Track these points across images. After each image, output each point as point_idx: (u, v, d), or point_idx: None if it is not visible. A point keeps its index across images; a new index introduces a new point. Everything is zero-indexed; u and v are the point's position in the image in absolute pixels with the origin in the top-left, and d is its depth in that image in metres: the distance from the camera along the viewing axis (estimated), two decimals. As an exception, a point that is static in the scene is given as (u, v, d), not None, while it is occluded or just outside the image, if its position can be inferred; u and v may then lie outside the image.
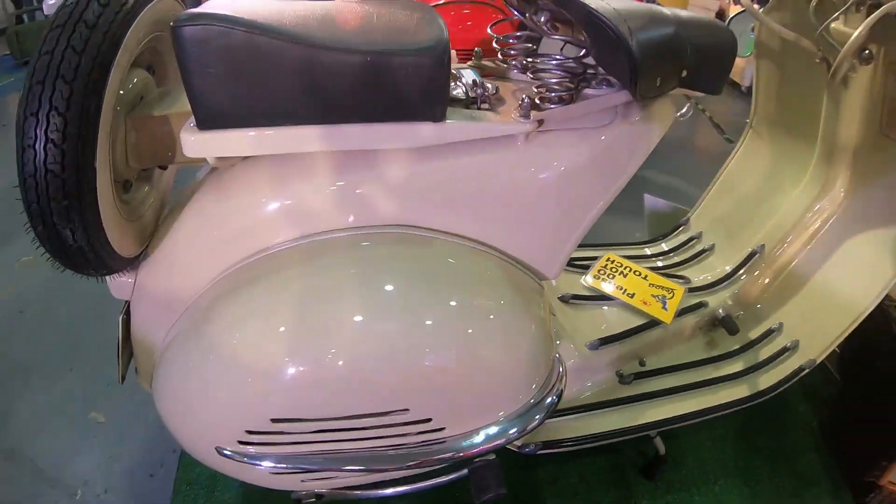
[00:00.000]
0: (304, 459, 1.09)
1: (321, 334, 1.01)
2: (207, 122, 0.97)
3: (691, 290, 1.78)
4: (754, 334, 1.72)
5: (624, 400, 1.52)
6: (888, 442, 1.69)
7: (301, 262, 1.08)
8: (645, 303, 1.64)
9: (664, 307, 1.64)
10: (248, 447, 1.06)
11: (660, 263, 1.96)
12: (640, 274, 1.73)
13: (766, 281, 1.79)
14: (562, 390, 1.20)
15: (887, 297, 1.64)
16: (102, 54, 0.90)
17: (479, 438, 1.11)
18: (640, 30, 1.04)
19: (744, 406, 1.57)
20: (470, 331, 1.06)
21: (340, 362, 1.00)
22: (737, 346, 1.71)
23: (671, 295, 1.67)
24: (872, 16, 1.33)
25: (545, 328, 1.17)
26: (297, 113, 0.98)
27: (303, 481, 1.17)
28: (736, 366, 1.67)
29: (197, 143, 0.98)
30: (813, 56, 1.56)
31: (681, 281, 1.79)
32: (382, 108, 1.00)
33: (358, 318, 1.02)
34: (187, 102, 0.98)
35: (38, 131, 0.85)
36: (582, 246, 1.67)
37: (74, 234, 0.94)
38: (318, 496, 1.26)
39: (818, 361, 1.59)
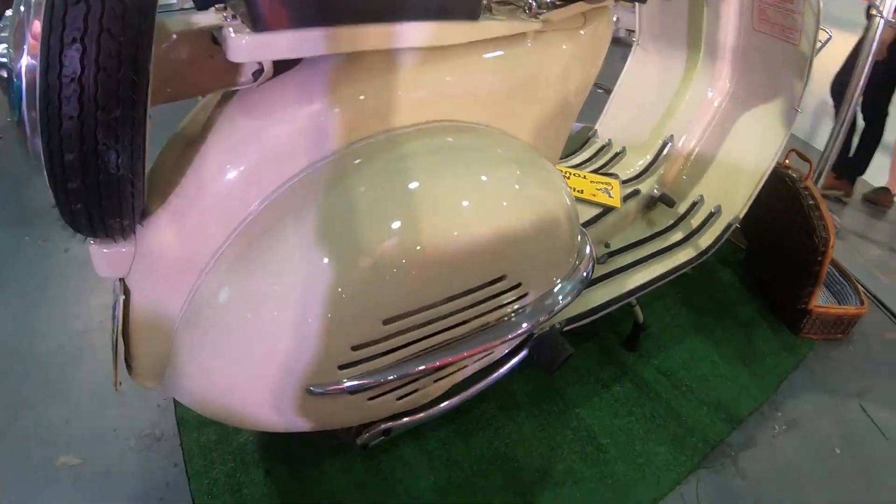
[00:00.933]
0: (409, 364, 1.08)
1: (419, 222, 1.01)
2: (266, 22, 0.90)
3: (623, 182, 2.00)
4: (682, 209, 1.98)
5: (607, 275, 1.72)
6: (804, 276, 2.01)
7: (374, 159, 1.05)
8: (594, 195, 1.84)
9: (610, 196, 1.84)
10: (348, 372, 1.03)
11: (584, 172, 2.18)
12: (579, 175, 1.93)
13: (681, 164, 2.06)
14: (595, 258, 1.33)
15: (778, 164, 1.97)
16: None
17: (550, 301, 1.22)
18: None
19: (695, 264, 1.83)
20: (534, 197, 1.15)
21: (443, 244, 1.02)
22: (671, 222, 1.96)
23: (611, 186, 1.88)
24: None
25: (573, 198, 1.29)
26: (354, 11, 0.97)
27: (399, 399, 1.16)
28: (676, 236, 1.92)
29: (252, 46, 0.90)
30: None
31: (612, 177, 2.01)
32: (431, 6, 1.04)
33: (448, 200, 1.05)
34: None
35: (88, 18, 0.73)
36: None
37: (119, 157, 0.83)
38: (386, 433, 1.26)
39: (741, 216, 1.87)
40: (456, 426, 1.61)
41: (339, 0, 0.95)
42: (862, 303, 2.21)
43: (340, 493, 1.46)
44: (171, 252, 1.03)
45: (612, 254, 1.80)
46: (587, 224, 1.77)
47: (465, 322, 1.12)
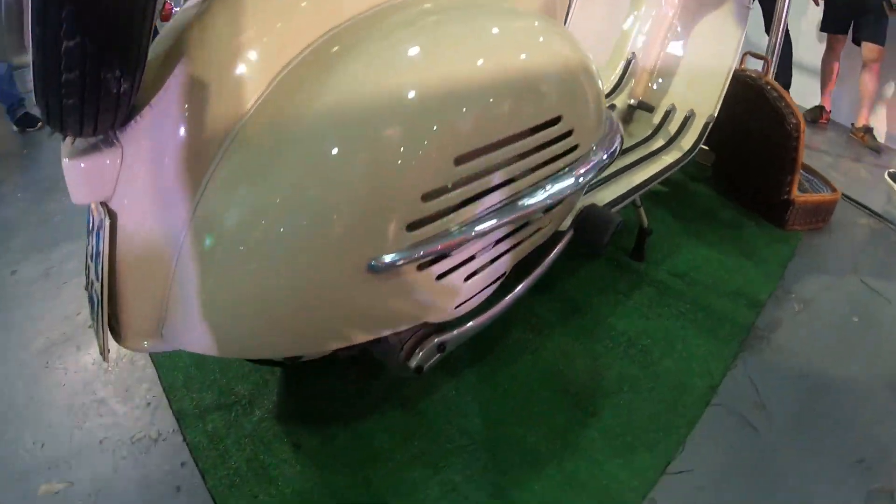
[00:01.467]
0: (481, 220, 0.98)
1: (479, 56, 0.95)
2: None
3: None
4: (657, 119, 1.98)
5: (611, 175, 1.71)
6: (784, 164, 2.05)
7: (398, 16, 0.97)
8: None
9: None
10: (418, 234, 0.92)
11: None
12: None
13: (647, 77, 2.07)
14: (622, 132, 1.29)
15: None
16: None
17: (596, 158, 1.17)
18: None
19: (682, 163, 1.84)
20: (569, 50, 1.10)
21: (505, 76, 0.96)
22: (650, 132, 1.96)
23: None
24: None
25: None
26: None
27: (466, 279, 1.07)
28: (658, 143, 1.93)
29: None
30: None
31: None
32: None
33: (501, 40, 1.00)
34: None
35: None
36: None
37: (124, 43, 0.71)
38: (441, 347, 1.16)
39: (716, 115, 1.89)
40: (493, 357, 1.54)
41: None
42: (834, 190, 2.28)
43: (386, 451, 1.32)
44: (167, 157, 0.85)
45: None
46: None
47: (528, 171, 1.05)
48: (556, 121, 1.05)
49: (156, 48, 0.87)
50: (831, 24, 3.56)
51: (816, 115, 3.70)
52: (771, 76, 2.15)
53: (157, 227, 0.87)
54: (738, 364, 1.57)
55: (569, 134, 1.09)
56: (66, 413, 1.48)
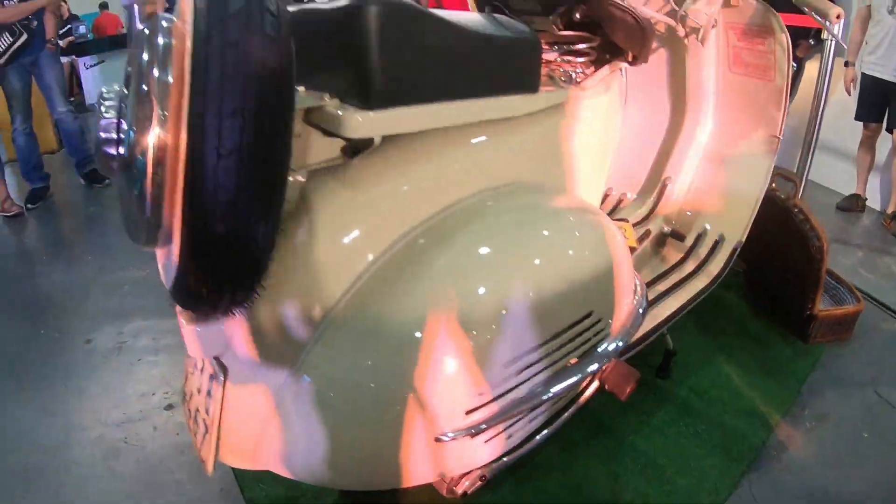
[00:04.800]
0: (524, 399, 1.19)
1: (527, 274, 1.17)
2: (380, 101, 1.02)
3: (633, 225, 2.21)
4: (689, 242, 2.18)
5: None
6: (807, 283, 2.22)
7: (473, 221, 1.19)
8: (614, 240, 2.04)
9: (626, 239, 2.04)
10: (473, 416, 1.13)
11: None
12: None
13: (681, 202, 2.28)
14: (647, 295, 1.50)
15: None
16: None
17: (623, 330, 1.40)
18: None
19: (710, 290, 2.02)
20: (604, 241, 1.32)
21: (551, 289, 1.18)
22: (682, 255, 2.16)
23: (625, 229, 2.08)
24: None
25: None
26: (448, 90, 1.12)
27: (508, 437, 1.26)
28: (688, 267, 2.12)
29: (368, 123, 1.02)
30: (675, 31, 2.09)
31: (622, 221, 2.22)
32: (508, 82, 1.24)
33: (546, 253, 1.22)
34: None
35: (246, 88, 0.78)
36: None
37: (266, 229, 0.87)
38: (482, 478, 1.36)
39: (744, 240, 2.08)
40: (526, 473, 1.72)
41: (438, 81, 1.11)
42: (858, 301, 2.43)
43: None
44: (278, 324, 1.07)
45: None
46: None
47: (566, 355, 1.27)
48: (587, 315, 1.28)
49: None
50: (865, 114, 3.70)
51: (852, 204, 3.82)
52: (799, 197, 2.32)
53: (262, 380, 1.13)
54: (743, 483, 1.74)
55: (598, 321, 1.32)
56: (146, 487, 1.77)
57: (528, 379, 1.20)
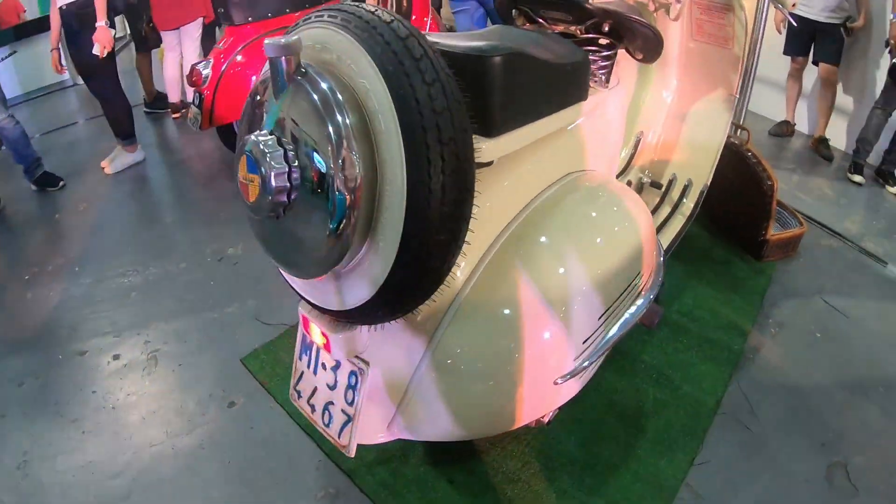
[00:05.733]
0: (606, 342, 1.48)
1: (613, 245, 1.51)
2: (499, 130, 1.25)
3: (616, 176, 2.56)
4: (664, 185, 2.55)
5: None
6: (761, 215, 2.65)
7: (556, 211, 1.47)
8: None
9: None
10: (579, 360, 1.42)
11: None
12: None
13: (653, 153, 2.64)
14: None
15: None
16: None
17: (656, 280, 1.71)
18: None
19: (686, 230, 2.41)
20: (642, 214, 1.62)
21: (627, 255, 1.50)
22: (657, 200, 2.53)
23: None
24: None
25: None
26: (541, 109, 1.38)
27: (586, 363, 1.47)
28: (665, 210, 2.50)
29: (490, 150, 1.25)
30: (647, 7, 2.39)
31: (608, 176, 2.57)
32: (572, 95, 1.50)
33: (615, 227, 1.55)
34: None
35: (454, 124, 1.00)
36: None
37: (461, 238, 1.09)
38: (559, 409, 1.64)
39: (709, 183, 2.46)
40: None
41: (535, 104, 1.37)
42: (801, 224, 2.88)
43: (515, 472, 1.85)
44: (413, 317, 1.31)
45: None
46: None
47: (627, 304, 1.58)
48: (639, 273, 1.60)
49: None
50: (792, 49, 4.12)
51: (782, 130, 4.29)
52: (749, 143, 2.73)
53: (399, 364, 1.41)
54: (733, 382, 2.17)
55: (641, 275, 1.63)
56: (245, 487, 1.87)
57: (609, 326, 1.53)
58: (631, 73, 2.72)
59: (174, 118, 5.07)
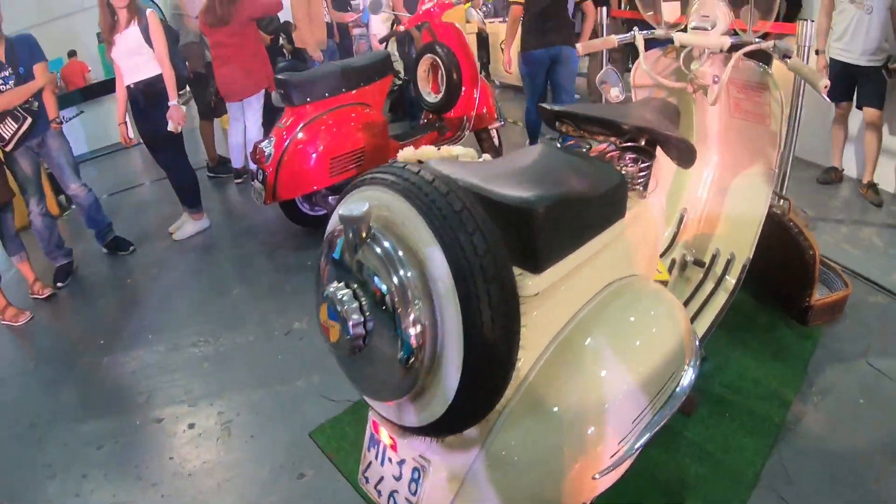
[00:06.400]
0: (640, 441, 1.54)
1: (642, 352, 1.60)
2: (543, 267, 1.36)
3: (661, 255, 2.71)
4: (707, 262, 2.69)
5: None
6: (803, 282, 2.76)
7: (599, 320, 1.59)
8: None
9: (659, 272, 2.54)
10: (614, 458, 1.49)
11: None
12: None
13: (696, 227, 2.78)
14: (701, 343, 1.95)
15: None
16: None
17: (692, 374, 1.76)
18: (667, 125, 1.90)
19: (729, 305, 2.53)
20: (678, 314, 1.73)
21: (654, 362, 1.58)
22: (702, 275, 2.67)
23: (658, 265, 2.58)
24: (732, 59, 2.31)
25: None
26: (582, 238, 1.49)
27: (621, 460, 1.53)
28: (709, 286, 2.63)
29: (536, 284, 1.36)
30: (686, 90, 2.53)
31: (655, 256, 2.72)
32: (610, 217, 1.62)
33: (652, 332, 1.66)
34: None
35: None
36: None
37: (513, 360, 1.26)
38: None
39: (752, 256, 2.58)
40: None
41: (577, 236, 1.49)
42: (846, 285, 2.97)
43: None
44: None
45: None
46: None
47: (662, 403, 1.67)
48: (673, 374, 1.70)
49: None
50: (836, 94, 4.15)
51: (830, 177, 4.34)
52: (791, 212, 2.84)
53: (455, 461, 1.55)
54: (773, 454, 2.29)
55: (676, 373, 1.74)
56: None
57: (643, 428, 1.63)
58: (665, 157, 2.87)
59: (237, 183, 5.39)
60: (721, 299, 2.56)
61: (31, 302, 3.89)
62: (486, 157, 2.08)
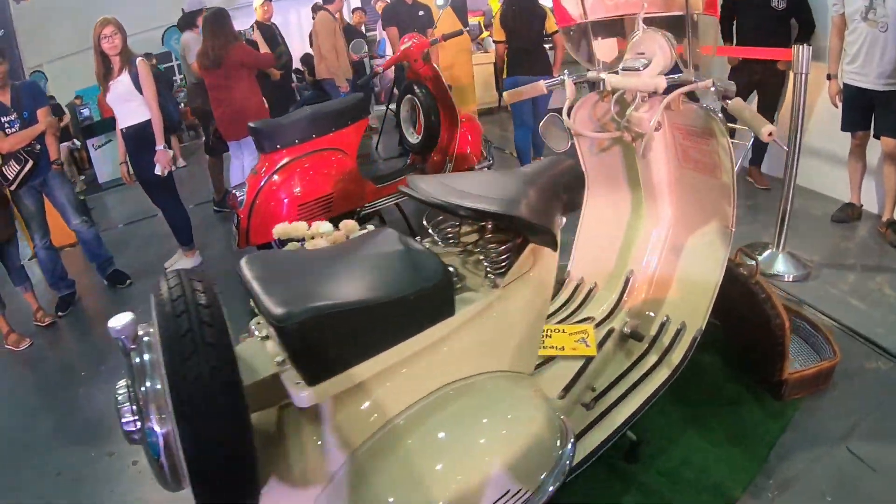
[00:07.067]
0: None
1: (470, 453, 1.47)
2: (316, 379, 1.31)
3: (598, 324, 2.43)
4: (653, 331, 2.39)
5: (596, 420, 2.11)
6: (771, 355, 2.41)
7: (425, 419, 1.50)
8: (573, 348, 2.25)
9: (587, 345, 2.26)
10: None
11: (563, 316, 2.59)
12: (559, 331, 2.35)
13: (645, 292, 2.49)
14: (574, 437, 1.70)
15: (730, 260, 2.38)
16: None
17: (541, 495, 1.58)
18: (539, 206, 1.65)
19: (670, 383, 2.22)
20: (534, 414, 1.58)
21: (486, 469, 1.45)
22: (646, 346, 2.37)
23: (586, 334, 2.30)
24: (663, 102, 2.07)
25: (551, 409, 1.67)
26: (375, 347, 1.39)
27: None
28: (651, 359, 2.32)
29: (312, 395, 1.31)
30: (624, 138, 2.27)
31: (587, 321, 2.44)
32: (428, 318, 1.48)
33: (486, 434, 1.50)
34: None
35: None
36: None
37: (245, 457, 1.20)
38: None
39: (703, 329, 2.27)
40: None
41: (363, 346, 1.38)
42: (835, 353, 2.58)
43: None
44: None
45: (598, 396, 2.18)
46: (575, 378, 2.16)
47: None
48: (518, 491, 1.49)
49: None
50: (850, 123, 3.77)
51: (847, 214, 3.91)
52: (758, 276, 2.49)
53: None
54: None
55: (519, 491, 1.51)
56: None
57: None
58: (613, 211, 2.60)
59: (241, 217, 5.55)
60: (662, 376, 2.25)
61: (33, 328, 4.18)
62: (369, 227, 1.94)
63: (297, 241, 2.28)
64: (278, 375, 1.39)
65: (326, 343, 1.32)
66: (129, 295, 4.56)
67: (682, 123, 2.26)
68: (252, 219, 3.82)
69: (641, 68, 2.15)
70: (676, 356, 2.28)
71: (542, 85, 2.43)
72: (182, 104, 8.15)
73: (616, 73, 2.29)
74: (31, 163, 3.98)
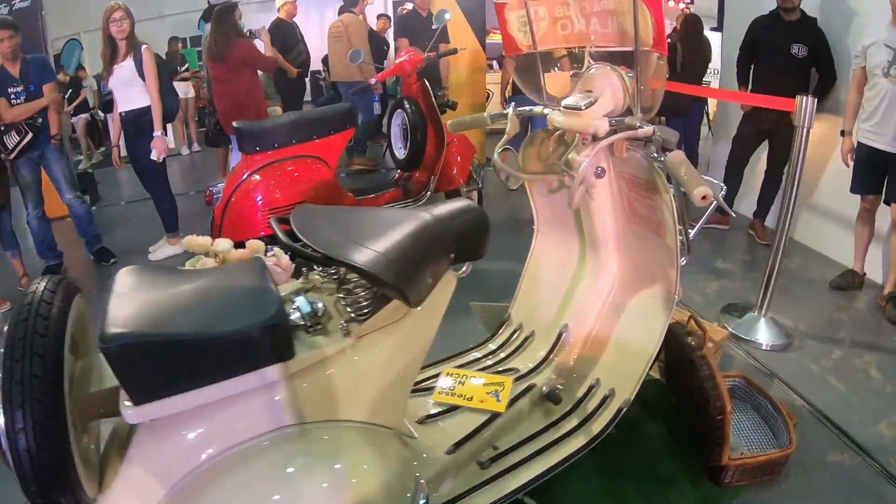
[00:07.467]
0: None
1: None
2: (140, 400, 1.28)
3: (519, 377, 2.21)
4: (580, 393, 2.16)
5: (488, 480, 1.88)
6: (710, 437, 2.15)
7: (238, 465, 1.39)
8: (482, 401, 2.03)
9: (498, 400, 2.04)
10: None
11: (490, 362, 2.38)
12: (473, 377, 2.13)
13: (578, 349, 2.26)
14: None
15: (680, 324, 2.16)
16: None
17: None
18: (397, 259, 1.44)
19: (582, 453, 1.98)
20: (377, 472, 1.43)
21: None
22: (569, 407, 2.13)
23: (502, 388, 2.08)
24: (599, 145, 1.87)
25: (401, 466, 1.54)
26: (201, 380, 1.31)
27: None
28: (571, 423, 2.08)
29: (137, 414, 1.28)
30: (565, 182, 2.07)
31: (510, 373, 2.23)
32: (260, 359, 1.37)
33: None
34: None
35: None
36: (426, 366, 2.13)
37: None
38: None
39: (631, 400, 2.03)
40: None
41: (188, 377, 1.31)
42: (790, 442, 2.29)
43: None
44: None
45: (498, 456, 1.95)
46: (473, 433, 1.94)
47: None
48: None
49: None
50: (861, 185, 3.50)
51: (847, 282, 3.61)
52: (706, 348, 2.23)
53: None
54: None
55: None
56: None
57: None
58: (560, 257, 2.39)
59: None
60: (577, 443, 2.00)
61: (17, 292, 4.12)
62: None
63: (203, 255, 2.14)
64: (118, 389, 1.33)
65: (146, 368, 1.28)
66: (110, 273, 4.46)
67: (628, 173, 2.04)
68: (225, 217, 3.75)
69: (584, 107, 1.93)
70: (598, 425, 2.05)
71: (485, 117, 2.25)
72: (204, 88, 8.27)
73: (559, 110, 2.08)
74: (30, 135, 4.10)
